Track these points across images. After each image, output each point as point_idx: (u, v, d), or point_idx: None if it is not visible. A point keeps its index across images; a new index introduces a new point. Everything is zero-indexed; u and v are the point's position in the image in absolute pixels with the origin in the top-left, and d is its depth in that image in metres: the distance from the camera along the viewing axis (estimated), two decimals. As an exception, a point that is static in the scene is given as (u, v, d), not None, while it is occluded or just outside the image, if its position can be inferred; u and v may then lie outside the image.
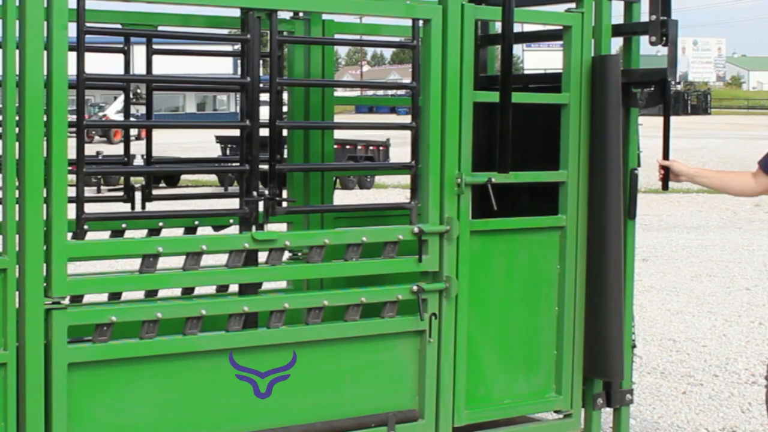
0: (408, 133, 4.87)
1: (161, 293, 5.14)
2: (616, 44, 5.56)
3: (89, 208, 4.21)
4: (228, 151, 26.87)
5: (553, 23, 5.42)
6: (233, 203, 4.82)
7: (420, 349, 4.85)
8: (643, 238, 15.26)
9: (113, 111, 47.69)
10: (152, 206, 5.32)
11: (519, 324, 5.16)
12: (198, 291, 5.23)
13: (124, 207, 5.31)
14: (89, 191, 7.81)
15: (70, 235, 4.09)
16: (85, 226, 4.18)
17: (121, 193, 5.32)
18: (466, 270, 4.90)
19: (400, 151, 17.42)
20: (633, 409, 6.62)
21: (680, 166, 5.24)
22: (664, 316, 10.49)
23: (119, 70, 5.25)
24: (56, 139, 3.96)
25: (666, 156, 5.30)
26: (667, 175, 5.25)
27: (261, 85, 4.57)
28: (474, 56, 4.92)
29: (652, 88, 5.25)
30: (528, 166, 5.23)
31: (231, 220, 5.23)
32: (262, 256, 4.61)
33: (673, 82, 5.20)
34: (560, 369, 5.27)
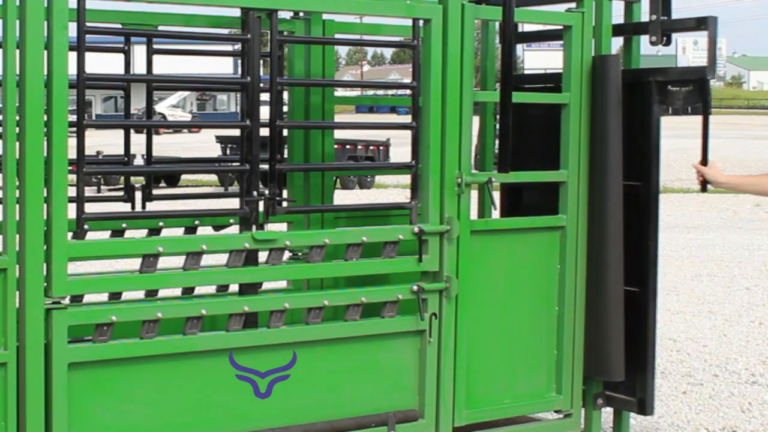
0: (408, 133, 4.87)
1: (161, 293, 5.14)
2: (616, 44, 5.56)
3: (89, 208, 4.21)
4: (228, 151, 26.89)
5: (553, 23, 5.42)
6: (233, 203, 4.82)
7: (420, 349, 4.84)
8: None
9: (164, 106, 48.09)
10: (152, 206, 5.31)
11: (519, 324, 5.16)
12: (198, 291, 5.22)
13: (124, 207, 5.31)
14: (89, 191, 7.80)
15: (70, 235, 4.09)
16: (86, 226, 4.18)
17: (121, 193, 5.32)
18: (466, 270, 4.90)
19: (400, 151, 17.41)
20: (633, 408, 6.59)
21: (715, 175, 5.02)
22: (665, 315, 10.47)
23: (119, 70, 5.25)
24: (56, 139, 3.96)
25: (704, 159, 5.12)
26: (705, 179, 5.05)
27: (261, 85, 4.57)
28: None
29: (690, 87, 5.13)
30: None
31: (231, 220, 5.22)
32: (263, 256, 4.61)
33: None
34: (560, 369, 5.27)
